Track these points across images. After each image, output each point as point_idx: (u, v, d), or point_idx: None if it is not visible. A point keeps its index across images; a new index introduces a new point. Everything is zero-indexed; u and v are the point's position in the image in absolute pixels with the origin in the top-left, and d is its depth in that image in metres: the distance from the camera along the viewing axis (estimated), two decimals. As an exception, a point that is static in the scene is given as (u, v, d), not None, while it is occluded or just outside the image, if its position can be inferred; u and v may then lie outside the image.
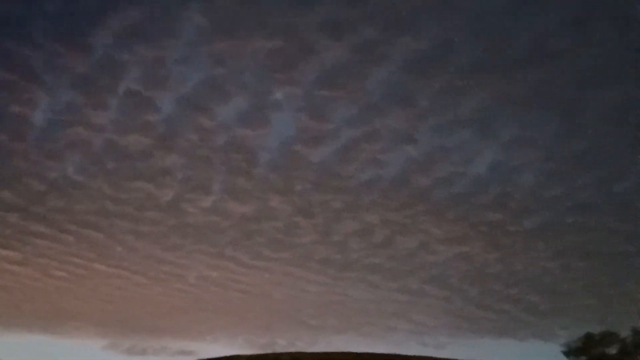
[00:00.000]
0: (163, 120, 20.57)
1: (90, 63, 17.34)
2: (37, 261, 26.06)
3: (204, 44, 19.06)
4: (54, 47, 15.98)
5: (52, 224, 23.25)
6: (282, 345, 37.24)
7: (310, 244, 27.99)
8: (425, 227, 26.18)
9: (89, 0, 16.33)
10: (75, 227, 23.86)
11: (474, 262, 27.66)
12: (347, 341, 35.15)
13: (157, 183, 22.76)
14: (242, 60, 19.95)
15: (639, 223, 24.55)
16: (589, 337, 24.44)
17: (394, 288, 30.37)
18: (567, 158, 22.53)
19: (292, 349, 32.03)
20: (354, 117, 22.06)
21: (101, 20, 16.95)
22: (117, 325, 32.78)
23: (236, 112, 21.74)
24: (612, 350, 24.21)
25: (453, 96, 20.70)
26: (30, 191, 20.97)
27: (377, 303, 31.80)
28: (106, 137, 19.90)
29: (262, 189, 24.87)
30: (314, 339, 34.89)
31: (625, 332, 23.98)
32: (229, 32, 18.75)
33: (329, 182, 24.37)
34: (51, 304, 29.51)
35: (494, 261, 27.34)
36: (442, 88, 20.49)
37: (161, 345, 37.67)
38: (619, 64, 19.06)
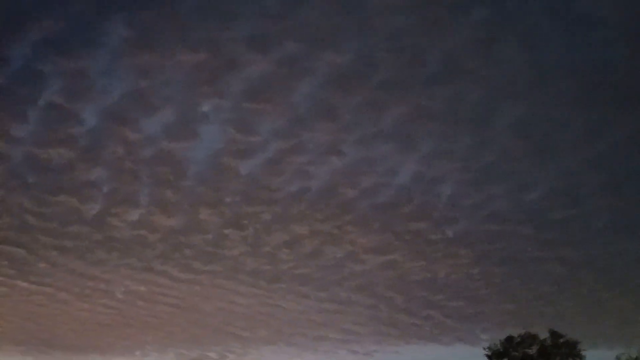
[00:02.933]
0: (87, 132, 20.31)
1: (8, 74, 17.03)
2: (-48, 279, 25.17)
3: (128, 56, 18.94)
4: (-32, 57, 15.60)
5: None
6: (213, 359, 37.02)
7: (240, 256, 28.04)
8: (352, 237, 26.75)
9: (4, 9, 16.01)
10: (-7, 244, 23.21)
11: (399, 270, 28.45)
12: (278, 352, 35.34)
13: (81, 197, 22.42)
14: (167, 73, 19.95)
15: (549, 230, 26.12)
16: (509, 339, 25.47)
17: (323, 298, 30.81)
18: (480, 169, 23.66)
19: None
20: (281, 129, 22.38)
21: (19, 30, 16.67)
22: (40, 344, 31.84)
23: (163, 124, 21.68)
24: (532, 351, 25.33)
25: (375, 110, 21.38)
26: (-54, 206, 20.36)
27: (307, 313, 32.14)
28: (26, 149, 19.49)
29: (190, 201, 24.82)
30: (245, 351, 34.89)
31: (543, 334, 25.19)
32: (154, 45, 18.73)
33: (257, 194, 24.57)
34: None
35: (419, 269, 28.21)
36: (364, 102, 21.13)
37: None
38: (524, 81, 20.34)
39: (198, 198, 24.75)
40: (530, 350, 25.11)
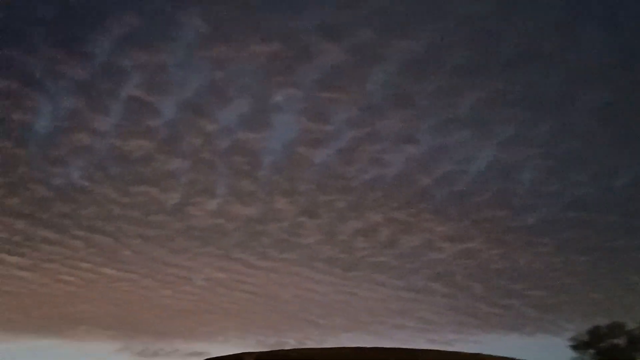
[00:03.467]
0: (165, 124, 20.84)
1: (91, 69, 17.66)
2: (46, 267, 26.45)
3: (203, 49, 19.30)
4: (53, 53, 16.28)
5: (59, 229, 23.63)
6: (292, 345, 37.51)
7: (316, 244, 28.16)
8: (429, 225, 26.30)
9: (87, 6, 16.62)
10: (82, 232, 24.22)
11: (478, 258, 27.78)
12: (356, 339, 35.35)
13: (161, 187, 23.06)
14: (241, 64, 20.19)
15: (637, 218, 24.80)
16: (596, 330, 24.54)
17: (399, 286, 30.54)
18: (561, 155, 22.72)
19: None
20: (355, 118, 22.24)
21: (101, 26, 17.25)
22: (127, 329, 33.10)
23: (238, 115, 21.97)
24: (620, 342, 24.31)
25: (450, 96, 20.86)
26: (36, 198, 21.34)
27: (383, 301, 31.95)
28: (109, 142, 20.22)
29: (266, 191, 25.11)
30: (323, 338, 35.05)
31: (632, 324, 24.11)
32: (228, 37, 19.00)
33: (332, 183, 24.58)
34: (61, 309, 29.89)
35: (498, 257, 27.46)
36: (439, 88, 20.64)
37: (173, 348, 37.99)
38: (607, 65, 19.33)
39: (273, 187, 25.04)
40: (618, 341, 24.17)
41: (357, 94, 21.20)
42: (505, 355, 11.90)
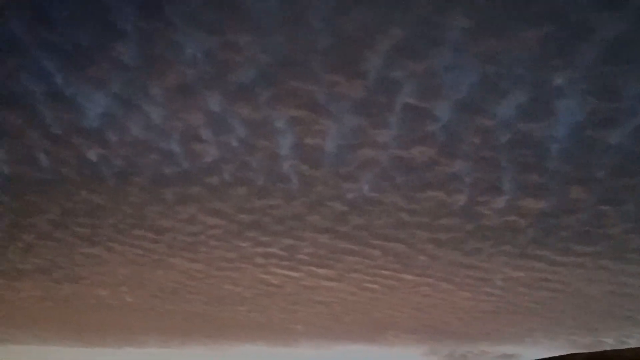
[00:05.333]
0: (442, 128, 20.89)
1: (367, 87, 18.49)
2: (350, 276, 28.46)
3: (471, 46, 18.93)
4: (331, 78, 17.46)
5: (357, 240, 25.23)
6: (610, 344, 34.51)
7: (623, 234, 25.62)
8: None
9: (356, 27, 17.46)
10: (378, 242, 25.51)
11: None
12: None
13: (447, 190, 23.11)
14: (513, 54, 19.32)
15: None
16: None
17: None
18: None
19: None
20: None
21: (370, 44, 18.01)
22: (431, 332, 33.87)
23: (516, 107, 21.04)
24: None
25: None
26: (334, 213, 23.07)
27: None
28: (392, 152, 20.93)
29: (557, 181, 23.62)
30: (644, 336, 31.71)
31: None
32: (494, 28, 18.35)
33: (632, 165, 22.10)
34: (367, 315, 31.81)
35: None
36: None
37: (479, 350, 37.77)
38: None
39: (565, 177, 23.43)
40: None
41: (647, 62, 18.77)
42: None
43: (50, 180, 20.20)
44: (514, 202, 24.19)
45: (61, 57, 14.80)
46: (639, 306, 31.16)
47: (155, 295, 30.85)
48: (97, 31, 14.10)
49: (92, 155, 19.27)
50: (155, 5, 14.28)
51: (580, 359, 28.17)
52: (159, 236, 24.15)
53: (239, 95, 16.56)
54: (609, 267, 27.93)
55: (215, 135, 18.35)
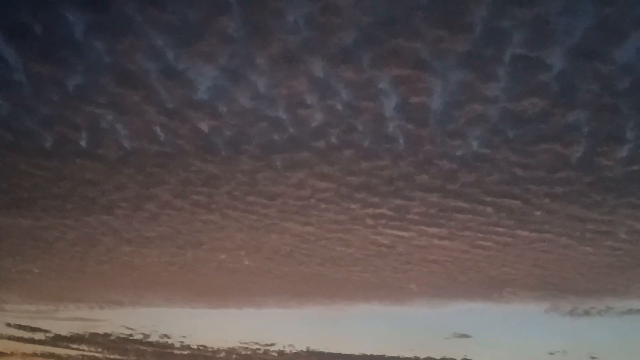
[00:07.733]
0: (556, 77, 19.78)
1: (472, 40, 17.77)
2: (462, 234, 28.00)
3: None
4: (435, 34, 16.87)
5: (468, 198, 24.66)
6: None
7: None
8: None
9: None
10: (490, 198, 24.80)
11: None
12: None
13: (563, 142, 21.94)
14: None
15: None
16: None
17: None
18: None
19: None
20: None
21: (474, -4, 17.26)
22: (549, 289, 32.89)
23: (636, 50, 19.41)
24: None
25: None
26: (443, 171, 22.66)
27: None
28: (501, 106, 20.12)
29: None
30: None
31: None
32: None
33: None
34: (481, 273, 31.34)
35: None
36: None
37: (604, 305, 36.38)
38: None
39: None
40: None
41: None
42: None
43: (168, 153, 21.17)
44: (637, 150, 22.73)
45: (172, 35, 15.32)
46: None
47: (270, 258, 31.90)
48: (204, 6, 14.44)
49: (205, 126, 19.95)
50: (256, -25, 14.40)
51: None
52: (271, 201, 24.81)
53: (341, 59, 16.47)
54: None
55: (320, 100, 18.42)
